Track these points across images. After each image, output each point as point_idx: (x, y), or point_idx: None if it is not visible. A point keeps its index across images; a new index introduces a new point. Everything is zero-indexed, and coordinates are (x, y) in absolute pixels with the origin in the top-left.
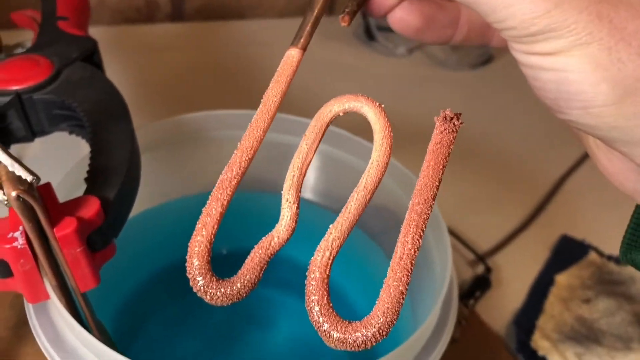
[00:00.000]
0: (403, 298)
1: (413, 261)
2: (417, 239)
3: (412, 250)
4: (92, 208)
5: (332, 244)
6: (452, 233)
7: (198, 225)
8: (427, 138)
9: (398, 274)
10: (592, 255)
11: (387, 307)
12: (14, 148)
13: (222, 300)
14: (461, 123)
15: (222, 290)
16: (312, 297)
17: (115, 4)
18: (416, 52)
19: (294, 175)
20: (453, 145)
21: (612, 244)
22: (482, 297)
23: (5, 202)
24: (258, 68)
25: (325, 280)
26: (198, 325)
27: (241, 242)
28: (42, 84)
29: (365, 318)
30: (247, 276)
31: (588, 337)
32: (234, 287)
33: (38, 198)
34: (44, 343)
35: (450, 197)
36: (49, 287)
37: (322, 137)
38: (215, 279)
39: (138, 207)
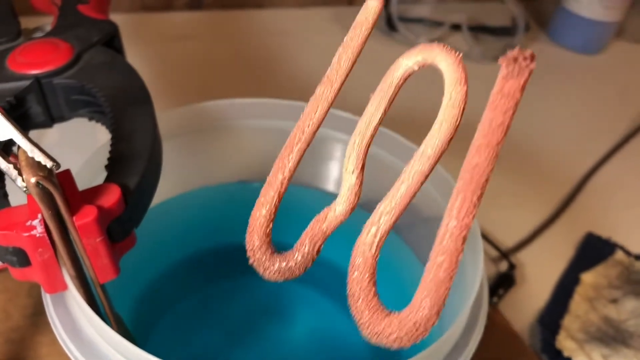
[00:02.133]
0: (445, 289)
1: (459, 244)
2: (466, 215)
3: (458, 229)
4: (112, 196)
5: (379, 219)
6: None
7: (260, 196)
8: None
9: (439, 259)
10: (619, 254)
11: (424, 301)
12: (33, 134)
13: (274, 276)
14: (531, 65)
15: (277, 265)
16: (355, 281)
17: None
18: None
19: (354, 141)
20: (522, 94)
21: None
22: (506, 295)
23: (24, 189)
24: (277, 57)
25: (370, 263)
26: (217, 318)
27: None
28: (61, 68)
29: (403, 311)
30: (301, 252)
31: (615, 339)
32: (289, 264)
33: (57, 185)
34: (61, 334)
35: None
36: (67, 277)
37: (392, 99)
38: (271, 252)
39: (158, 197)
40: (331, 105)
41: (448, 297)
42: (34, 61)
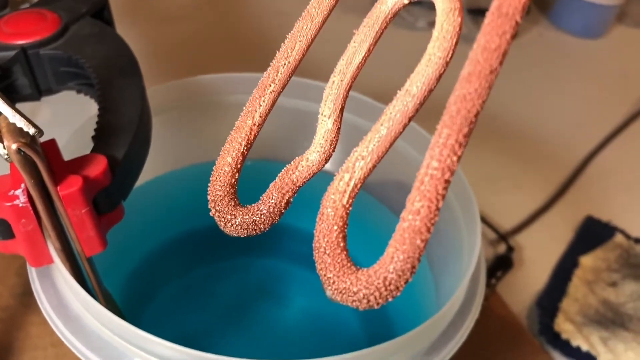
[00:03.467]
0: (423, 240)
1: (440, 188)
2: (449, 155)
3: (440, 171)
4: (98, 167)
5: (354, 164)
6: None
7: (226, 144)
8: None
9: (416, 205)
10: (619, 238)
11: (396, 253)
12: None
13: (236, 230)
14: None
15: (240, 217)
16: (322, 233)
17: None
18: None
19: (333, 82)
20: (522, 15)
21: (639, 226)
22: (504, 277)
23: (6, 157)
24: (274, 38)
25: (341, 214)
26: (210, 297)
27: None
28: (48, 38)
29: (372, 266)
30: (267, 205)
31: (614, 322)
32: (252, 216)
33: (41, 152)
34: (46, 309)
35: (472, 175)
36: (53, 250)
37: (379, 36)
38: (233, 204)
39: (148, 174)
40: (311, 44)
41: (443, 274)
42: (20, 31)
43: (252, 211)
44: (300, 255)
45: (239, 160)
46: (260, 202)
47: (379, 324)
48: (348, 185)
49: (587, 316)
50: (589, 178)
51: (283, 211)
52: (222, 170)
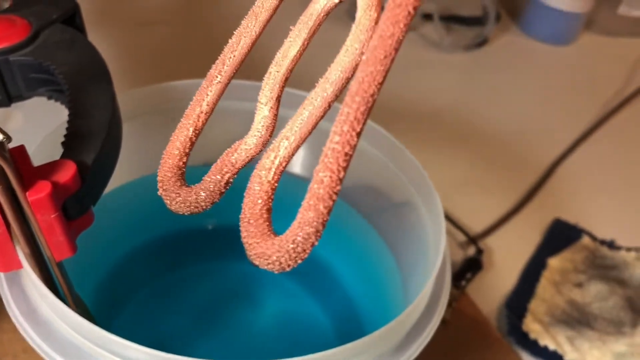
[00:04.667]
0: (326, 207)
1: (340, 160)
2: (348, 131)
3: (340, 145)
4: (68, 172)
5: (279, 145)
6: (444, 214)
7: (176, 129)
8: (421, 119)
9: (320, 175)
10: (585, 240)
11: (302, 219)
12: None
13: (180, 207)
14: None
15: (183, 195)
16: (247, 205)
17: None
18: (410, 34)
19: (270, 72)
20: (415, 7)
21: (605, 229)
22: (474, 279)
23: None
24: None
25: (266, 189)
26: (183, 301)
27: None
28: (18, 45)
29: (285, 232)
30: (209, 184)
31: (580, 321)
32: (194, 195)
33: (9, 158)
34: (15, 314)
35: (442, 179)
36: (22, 255)
37: (313, 31)
38: (179, 185)
39: (119, 179)
40: (256, 40)
41: (411, 274)
42: None
43: (194, 190)
44: None
45: (187, 145)
46: (202, 182)
47: (349, 325)
48: (273, 163)
49: (554, 316)
50: (557, 181)
51: (223, 191)
52: (171, 153)
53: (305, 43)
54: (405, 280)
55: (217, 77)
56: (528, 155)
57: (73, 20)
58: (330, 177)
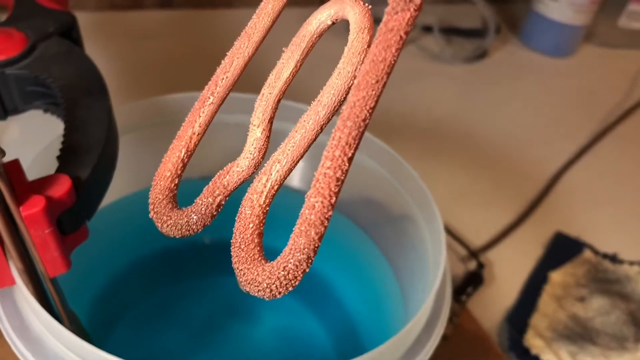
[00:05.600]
0: (317, 233)
1: (332, 185)
2: (340, 156)
3: (332, 170)
4: (62, 187)
5: (271, 168)
6: (445, 228)
7: (168, 151)
8: (421, 131)
9: (312, 201)
10: (587, 253)
11: (294, 246)
12: None
13: (171, 230)
14: (419, 3)
15: (174, 219)
16: (239, 230)
17: None
18: (410, 46)
19: (263, 94)
20: (407, 32)
21: (607, 242)
22: (475, 293)
23: None
24: None
25: (257, 212)
26: (179, 317)
27: (227, 232)
28: (15, 58)
29: (277, 259)
30: (200, 207)
31: (582, 336)
32: (186, 218)
33: (2, 173)
34: (7, 331)
35: (443, 192)
36: (15, 271)
37: (306, 53)
38: (170, 207)
39: (116, 193)
40: (249, 61)
41: (411, 289)
42: None
43: (186, 213)
44: None
45: (179, 167)
46: (194, 204)
47: (348, 341)
48: (265, 187)
49: (556, 331)
50: (558, 194)
51: (215, 214)
52: (162, 175)
53: (298, 65)
54: (405, 295)
55: (209, 98)
56: (529, 168)
57: (70, 33)
58: (322, 202)
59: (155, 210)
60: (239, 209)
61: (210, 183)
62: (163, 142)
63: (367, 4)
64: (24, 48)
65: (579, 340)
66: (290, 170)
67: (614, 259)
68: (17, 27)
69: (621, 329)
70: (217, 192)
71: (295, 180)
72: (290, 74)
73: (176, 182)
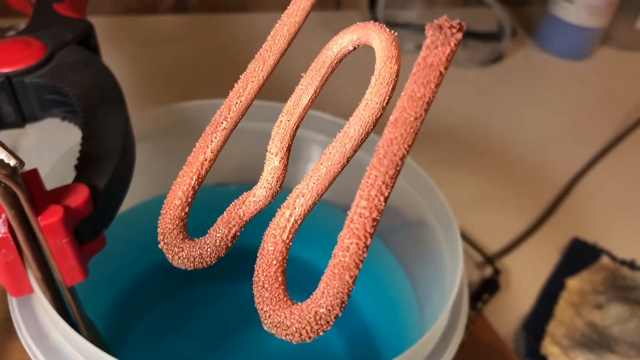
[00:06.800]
0: (352, 276)
1: (368, 226)
2: (376, 195)
3: (368, 210)
4: (80, 196)
5: (294, 201)
6: (460, 234)
7: (178, 178)
8: (436, 136)
9: (346, 242)
10: (605, 260)
11: (326, 289)
12: (10, 134)
13: (183, 262)
14: (458, 34)
15: (186, 250)
16: (261, 267)
17: None
18: None
19: (281, 122)
20: (447, 67)
21: (625, 248)
22: (491, 300)
23: None
24: None
25: (281, 249)
26: (193, 323)
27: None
28: (33, 66)
29: (305, 301)
30: (214, 239)
31: (600, 344)
32: (199, 250)
33: (22, 184)
34: (26, 339)
35: (458, 197)
36: (33, 280)
37: (325, 79)
38: (182, 237)
39: (133, 199)
40: (263, 84)
41: (427, 297)
42: (5, 59)
43: (199, 244)
44: (287, 280)
45: (190, 195)
46: (207, 235)
47: (365, 350)
48: (288, 221)
49: (573, 339)
50: (575, 199)
51: (230, 245)
52: (172, 204)
53: (318, 91)
54: (421, 303)
55: (222, 123)
56: (545, 172)
57: (88, 41)
58: (357, 244)
59: (166, 241)
60: (261, 244)
61: (225, 213)
62: (178, 149)
63: (393, 31)
64: (42, 57)
65: (596, 348)
66: (314, 204)
67: (632, 265)
68: (36, 35)
69: None
70: (232, 222)
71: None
72: (309, 101)
73: (187, 211)
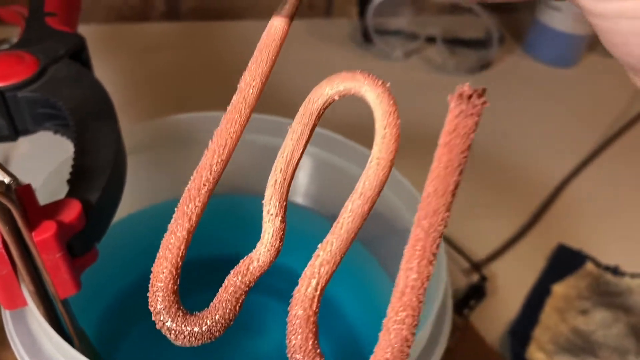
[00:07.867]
0: (408, 347)
1: (421, 296)
2: (426, 266)
3: (419, 282)
4: (73, 212)
5: (319, 269)
6: (447, 240)
7: (161, 248)
8: (424, 143)
9: (400, 315)
10: (589, 266)
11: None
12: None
13: (190, 341)
14: (484, 102)
15: (189, 328)
16: (294, 341)
17: (110, 2)
18: (413, 56)
19: (276, 181)
20: (474, 133)
21: (610, 255)
22: (477, 306)
23: None
24: None
25: (312, 319)
26: None
27: (235, 246)
28: (26, 81)
29: None
30: (220, 311)
31: (584, 349)
32: (204, 325)
33: (15, 200)
34: (19, 351)
35: None
36: (27, 293)
37: (312, 130)
38: (182, 314)
39: (124, 210)
40: (239, 136)
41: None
42: None
43: (204, 319)
44: (278, 290)
45: (179, 265)
46: (212, 308)
47: (351, 356)
48: (316, 291)
49: (558, 344)
50: (561, 206)
51: (237, 313)
52: (159, 278)
53: (306, 145)
54: None
55: (204, 185)
56: (531, 179)
57: (80, 55)
58: (413, 315)
59: (163, 322)
60: (289, 316)
61: (229, 284)
62: (169, 162)
63: (386, 82)
64: (35, 71)
65: (580, 353)
66: (337, 266)
67: (616, 271)
68: (29, 50)
69: (623, 342)
70: (238, 292)
71: (299, 196)
72: (299, 156)
73: (178, 283)
